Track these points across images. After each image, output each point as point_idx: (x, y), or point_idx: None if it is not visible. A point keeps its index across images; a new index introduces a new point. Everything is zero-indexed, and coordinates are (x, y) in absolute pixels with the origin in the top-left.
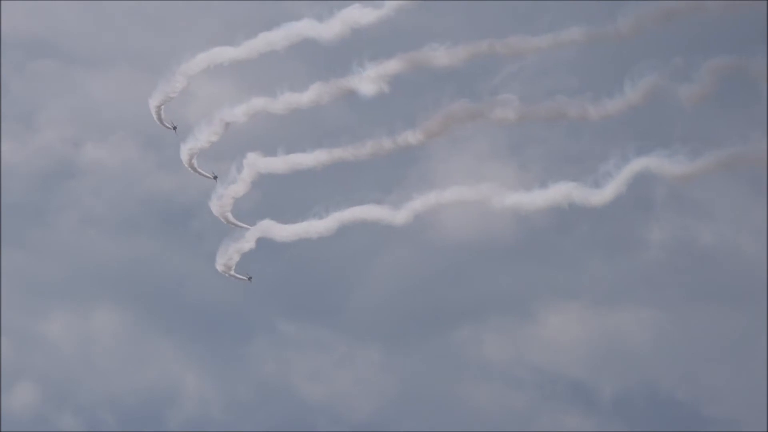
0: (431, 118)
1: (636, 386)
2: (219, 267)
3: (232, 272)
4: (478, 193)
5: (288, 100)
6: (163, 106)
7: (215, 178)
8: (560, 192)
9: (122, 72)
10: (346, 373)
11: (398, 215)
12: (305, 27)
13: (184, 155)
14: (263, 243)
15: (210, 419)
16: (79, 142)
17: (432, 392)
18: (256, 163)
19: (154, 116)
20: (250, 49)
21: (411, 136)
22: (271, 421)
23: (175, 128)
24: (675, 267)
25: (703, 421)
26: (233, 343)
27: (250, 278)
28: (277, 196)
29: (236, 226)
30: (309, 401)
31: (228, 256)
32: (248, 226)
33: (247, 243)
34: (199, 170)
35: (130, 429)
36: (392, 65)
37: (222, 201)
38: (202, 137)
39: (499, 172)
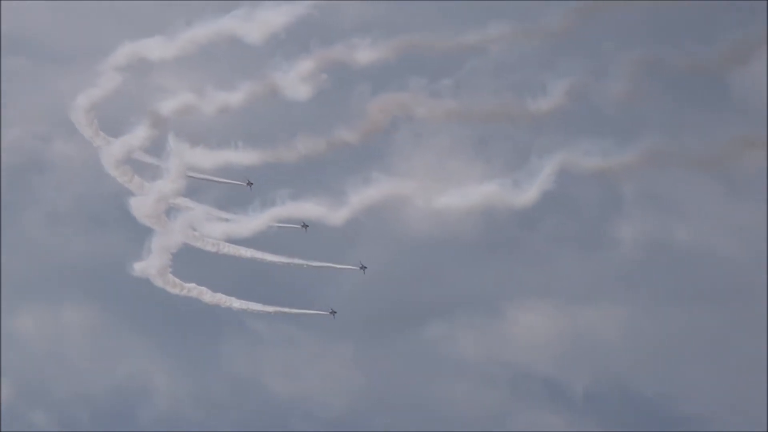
0: (365, 115)
1: (607, 383)
2: (139, 271)
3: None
4: (411, 192)
5: (219, 98)
6: (93, 110)
7: (249, 184)
8: (489, 191)
9: (91, 68)
10: (317, 370)
11: (336, 214)
12: (234, 25)
13: (108, 160)
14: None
15: (181, 417)
16: (48, 138)
17: (404, 389)
18: (183, 153)
19: (79, 122)
20: (177, 46)
21: (347, 134)
22: (243, 418)
23: (250, 184)
24: (647, 265)
25: (675, 419)
26: (204, 341)
27: (333, 312)
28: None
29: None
30: (280, 398)
31: (156, 257)
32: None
33: (174, 239)
34: (125, 178)
35: (103, 426)
36: (319, 63)
37: (151, 201)
38: (133, 137)
39: (461, 168)
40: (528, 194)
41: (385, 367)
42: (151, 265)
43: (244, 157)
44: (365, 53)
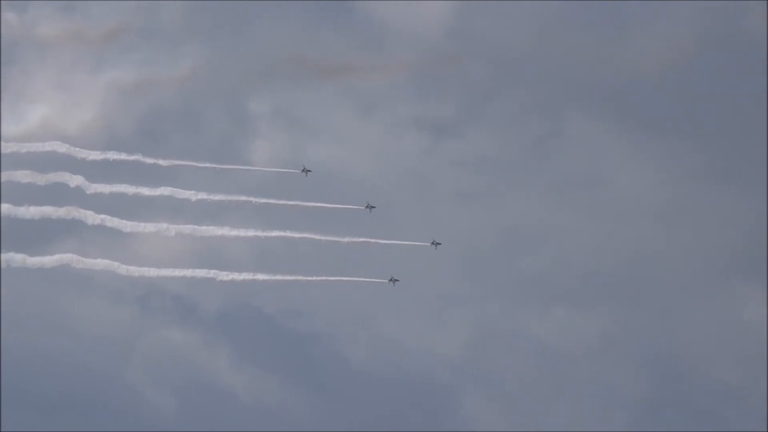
0: None
1: (240, 302)
2: None
3: None
4: None
5: None
6: None
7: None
8: (47, 112)
9: None
10: None
11: None
12: None
13: None
14: None
15: None
16: None
17: (36, 307)
18: None
19: None
20: None
21: None
22: None
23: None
24: (280, 185)
25: (302, 337)
26: None
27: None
28: None
29: None
30: None
31: None
32: None
33: None
34: None
35: None
36: None
37: None
38: None
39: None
40: (86, 113)
41: (16, 285)
42: None
43: None
44: None
